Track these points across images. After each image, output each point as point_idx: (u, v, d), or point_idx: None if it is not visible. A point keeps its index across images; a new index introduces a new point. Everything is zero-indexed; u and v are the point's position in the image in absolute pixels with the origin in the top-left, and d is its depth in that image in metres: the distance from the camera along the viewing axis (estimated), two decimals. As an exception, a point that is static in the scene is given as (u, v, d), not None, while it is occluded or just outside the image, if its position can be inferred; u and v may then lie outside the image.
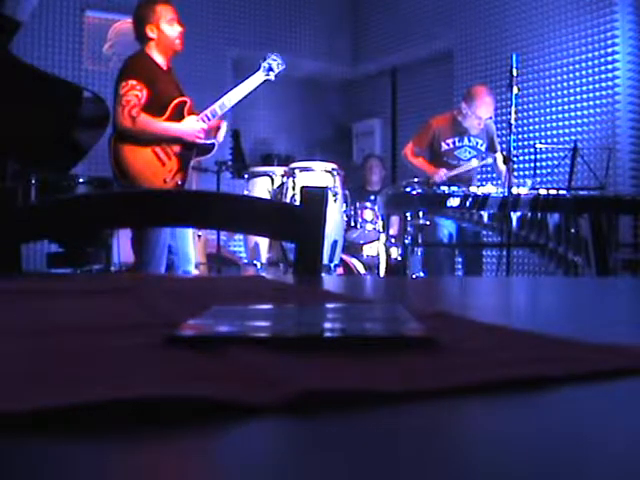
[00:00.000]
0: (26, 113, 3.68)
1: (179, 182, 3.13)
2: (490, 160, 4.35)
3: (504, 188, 3.68)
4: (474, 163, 4.23)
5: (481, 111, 4.20)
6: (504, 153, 3.90)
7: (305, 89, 6.88)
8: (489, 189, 3.81)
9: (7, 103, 3.58)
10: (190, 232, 3.28)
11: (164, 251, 3.11)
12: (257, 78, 3.37)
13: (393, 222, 4.56)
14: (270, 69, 3.43)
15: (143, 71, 3.09)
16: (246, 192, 3.83)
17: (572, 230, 3.71)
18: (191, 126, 3.12)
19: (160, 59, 3.17)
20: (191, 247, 3.27)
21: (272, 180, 3.90)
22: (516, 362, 0.33)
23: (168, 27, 3.15)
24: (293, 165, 3.95)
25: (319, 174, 3.83)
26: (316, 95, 6.82)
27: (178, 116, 3.13)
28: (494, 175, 4.73)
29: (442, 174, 4.14)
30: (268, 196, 3.79)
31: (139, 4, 3.23)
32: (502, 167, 4.22)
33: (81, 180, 3.94)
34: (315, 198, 1.19)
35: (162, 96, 3.10)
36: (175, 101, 3.13)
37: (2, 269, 1.09)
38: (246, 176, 3.99)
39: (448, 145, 4.28)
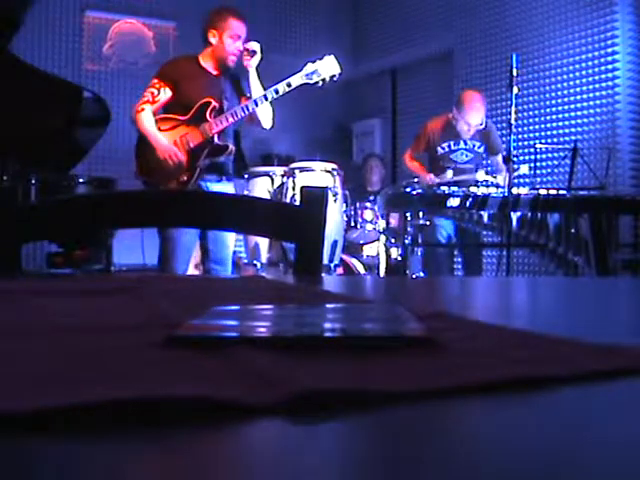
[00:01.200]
0: (26, 113, 3.68)
1: (184, 179, 3.15)
2: (485, 176, 4.28)
3: (504, 188, 3.68)
4: (480, 176, 4.17)
5: (470, 117, 4.18)
6: (504, 153, 3.89)
7: (305, 89, 6.87)
8: (489, 189, 3.80)
9: (7, 103, 3.58)
10: (226, 236, 3.27)
11: (187, 252, 3.15)
12: (294, 80, 3.31)
13: (393, 217, 4.55)
14: (314, 73, 3.37)
15: (170, 72, 3.23)
16: (246, 192, 3.82)
17: (572, 230, 3.70)
18: (168, 147, 3.13)
19: (210, 64, 3.25)
20: (226, 252, 3.29)
21: (272, 180, 3.89)
22: (516, 362, 0.33)
23: (230, 40, 3.22)
24: (293, 165, 3.95)
25: (319, 174, 3.83)
26: (316, 95, 6.81)
27: (199, 117, 3.17)
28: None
29: (428, 179, 4.14)
30: (268, 196, 3.79)
31: (213, 9, 3.33)
32: (502, 167, 4.21)
33: (81, 180, 3.94)
34: (315, 198, 1.19)
35: (190, 98, 3.17)
36: (199, 102, 3.17)
37: (2, 269, 1.09)
38: (246, 176, 3.99)
39: (444, 149, 4.27)
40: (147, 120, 3.15)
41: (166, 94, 3.19)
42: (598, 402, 0.29)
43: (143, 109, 3.16)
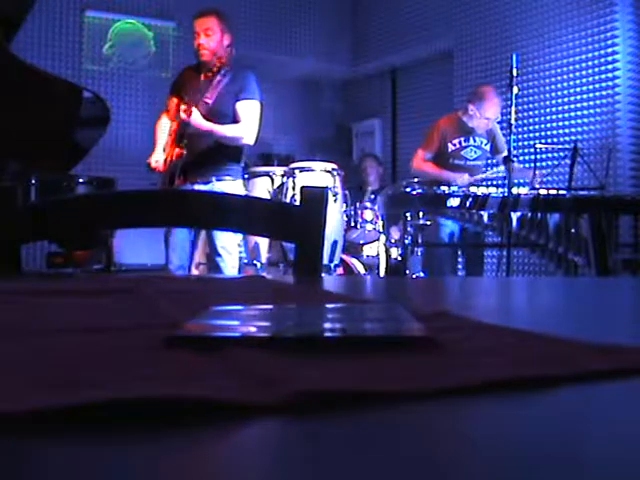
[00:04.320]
0: (26, 113, 3.68)
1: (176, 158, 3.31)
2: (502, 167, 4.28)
3: (504, 188, 3.68)
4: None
5: (490, 112, 4.17)
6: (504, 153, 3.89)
7: (305, 89, 6.88)
8: (489, 189, 3.80)
9: (7, 103, 3.57)
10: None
11: (182, 251, 3.28)
12: None
13: (394, 230, 4.55)
14: None
15: (175, 83, 3.55)
16: (246, 192, 3.82)
17: (572, 230, 3.70)
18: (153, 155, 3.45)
19: (203, 68, 3.39)
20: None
21: (272, 180, 3.89)
22: (517, 362, 0.33)
23: (194, 40, 3.41)
24: (293, 165, 3.94)
25: (319, 174, 3.83)
26: (316, 95, 6.82)
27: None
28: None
29: (465, 179, 4.10)
30: (268, 196, 3.79)
31: None
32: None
33: (81, 180, 3.94)
34: (315, 198, 1.19)
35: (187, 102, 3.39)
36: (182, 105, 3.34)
37: (2, 269, 1.09)
38: (246, 176, 3.99)
39: (455, 145, 4.26)
40: (158, 127, 3.51)
41: (174, 103, 3.45)
42: (598, 402, 0.29)
43: (160, 117, 3.54)
